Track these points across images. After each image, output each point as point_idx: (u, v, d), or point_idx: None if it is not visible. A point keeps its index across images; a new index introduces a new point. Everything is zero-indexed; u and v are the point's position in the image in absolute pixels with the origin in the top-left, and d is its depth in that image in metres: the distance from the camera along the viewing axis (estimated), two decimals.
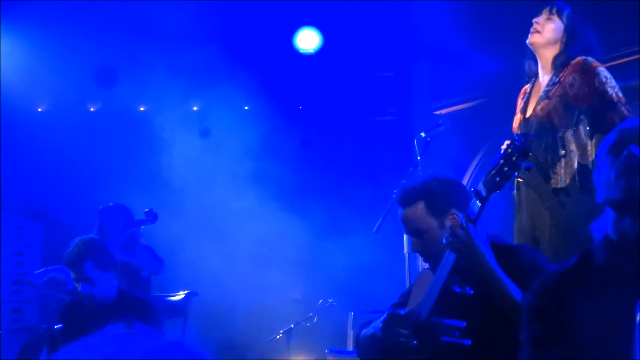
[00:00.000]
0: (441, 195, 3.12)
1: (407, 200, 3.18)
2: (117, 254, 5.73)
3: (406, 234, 3.31)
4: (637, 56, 5.44)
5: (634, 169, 1.97)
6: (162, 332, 4.24)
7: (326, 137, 8.12)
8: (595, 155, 2.49)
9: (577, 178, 3.94)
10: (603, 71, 4.01)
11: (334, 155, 7.98)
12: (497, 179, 2.74)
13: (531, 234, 4.06)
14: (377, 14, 7.85)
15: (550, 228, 3.97)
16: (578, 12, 4.22)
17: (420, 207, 3.14)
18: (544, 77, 4.23)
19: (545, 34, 4.16)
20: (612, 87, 3.97)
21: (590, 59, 4.06)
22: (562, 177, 3.97)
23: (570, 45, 4.12)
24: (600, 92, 3.97)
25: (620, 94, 3.97)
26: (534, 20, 4.19)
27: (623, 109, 3.94)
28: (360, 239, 6.84)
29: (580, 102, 4.02)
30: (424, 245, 3.16)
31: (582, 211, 3.82)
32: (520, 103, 4.34)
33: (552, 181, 3.98)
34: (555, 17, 4.16)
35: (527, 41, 4.21)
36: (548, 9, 4.18)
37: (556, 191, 3.97)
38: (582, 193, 3.91)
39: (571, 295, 2.01)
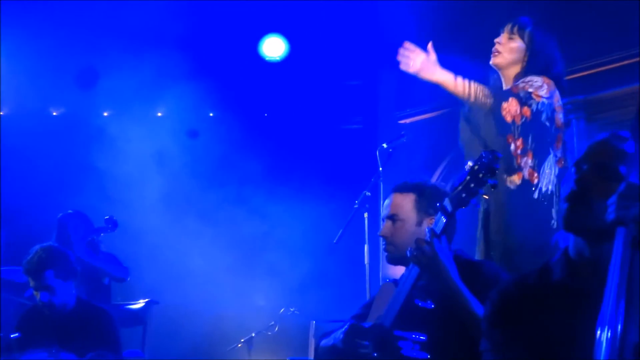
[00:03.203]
0: (432, 197, 3.21)
1: (402, 188, 3.31)
2: (85, 255, 5.69)
3: (383, 217, 3.37)
4: (637, 59, 5.45)
5: (576, 195, 1.98)
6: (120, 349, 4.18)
7: (292, 144, 8.12)
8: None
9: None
10: (535, 78, 3.99)
11: (298, 163, 7.97)
12: (463, 194, 2.81)
13: (485, 248, 4.07)
14: (343, 22, 7.86)
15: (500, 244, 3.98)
16: (540, 26, 4.19)
17: (410, 198, 3.26)
18: None
19: (506, 54, 4.13)
20: (525, 82, 3.96)
21: (541, 75, 4.03)
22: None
23: (530, 65, 4.09)
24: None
25: (530, 89, 3.95)
26: (495, 41, 4.16)
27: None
28: (322, 248, 6.83)
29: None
30: (393, 231, 3.25)
31: (523, 228, 3.87)
32: None
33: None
34: (517, 37, 4.12)
35: (490, 62, 4.18)
36: (509, 28, 4.15)
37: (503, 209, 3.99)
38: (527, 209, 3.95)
39: (528, 307, 2.03)
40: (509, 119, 3.90)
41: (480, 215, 4.10)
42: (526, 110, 3.92)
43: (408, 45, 3.92)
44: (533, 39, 4.11)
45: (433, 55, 3.91)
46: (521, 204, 3.92)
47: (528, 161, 3.94)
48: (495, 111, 3.91)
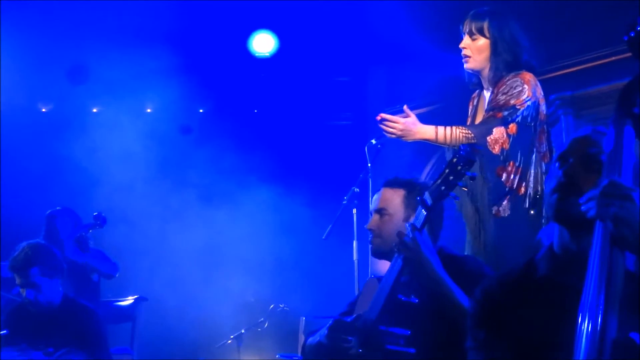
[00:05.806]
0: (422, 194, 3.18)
1: (393, 183, 3.32)
2: (73, 254, 5.67)
3: (371, 210, 3.38)
4: (625, 55, 5.40)
5: (565, 186, 1.98)
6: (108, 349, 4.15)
7: (281, 140, 8.11)
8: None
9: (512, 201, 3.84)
10: (514, 81, 3.85)
11: (287, 159, 7.96)
12: (443, 187, 2.83)
13: (470, 247, 4.00)
14: (333, 18, 7.86)
15: (483, 246, 3.87)
16: (497, 15, 4.02)
17: (399, 193, 3.27)
18: (487, 90, 4.06)
19: (477, 56, 3.98)
20: (504, 94, 3.82)
21: (519, 72, 3.90)
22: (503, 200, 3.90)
23: (495, 59, 3.94)
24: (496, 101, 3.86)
25: (512, 101, 3.80)
26: (460, 46, 4.02)
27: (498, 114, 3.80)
28: (310, 244, 6.83)
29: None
30: (380, 225, 3.26)
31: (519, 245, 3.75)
32: (470, 115, 4.21)
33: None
34: (478, 35, 3.97)
35: (465, 68, 4.07)
36: (467, 29, 4.00)
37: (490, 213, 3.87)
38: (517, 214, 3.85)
39: (512, 303, 2.03)
40: (497, 150, 3.79)
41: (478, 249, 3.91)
42: (512, 127, 3.80)
43: (384, 115, 3.84)
44: (492, 30, 3.95)
45: (412, 117, 3.82)
46: (515, 226, 3.79)
47: (517, 177, 3.80)
48: (482, 157, 3.73)
